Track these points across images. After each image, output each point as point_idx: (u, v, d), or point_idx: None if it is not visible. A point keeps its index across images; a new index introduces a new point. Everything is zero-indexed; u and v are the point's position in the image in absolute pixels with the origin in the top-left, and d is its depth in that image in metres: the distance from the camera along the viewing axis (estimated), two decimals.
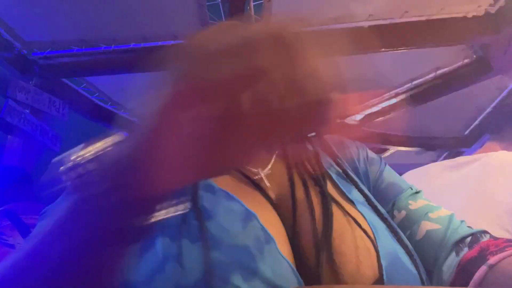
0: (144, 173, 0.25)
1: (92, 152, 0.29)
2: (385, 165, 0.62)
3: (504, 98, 2.49)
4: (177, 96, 0.23)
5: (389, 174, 0.60)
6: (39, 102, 2.11)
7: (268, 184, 0.50)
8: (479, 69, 2.20)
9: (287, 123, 0.25)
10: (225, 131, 0.24)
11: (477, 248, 0.46)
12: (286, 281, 0.37)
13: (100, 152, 0.29)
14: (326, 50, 0.25)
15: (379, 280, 0.39)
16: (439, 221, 0.51)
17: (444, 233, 0.49)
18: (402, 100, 2.55)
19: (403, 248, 0.46)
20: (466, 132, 3.08)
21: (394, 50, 2.03)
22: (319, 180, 0.50)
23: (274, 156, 0.57)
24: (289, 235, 0.44)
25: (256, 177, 0.51)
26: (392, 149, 3.33)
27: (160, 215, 0.27)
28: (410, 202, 0.55)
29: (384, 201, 0.56)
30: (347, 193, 0.50)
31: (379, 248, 0.42)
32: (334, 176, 0.55)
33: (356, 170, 0.59)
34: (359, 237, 0.43)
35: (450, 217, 0.52)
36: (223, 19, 1.90)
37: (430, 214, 0.52)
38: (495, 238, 0.47)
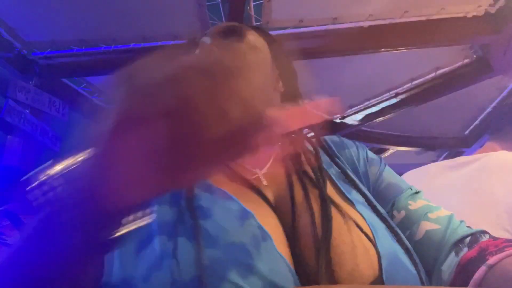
0: (104, 190, 0.26)
1: (59, 170, 0.31)
2: (385, 165, 0.62)
3: (504, 98, 2.49)
4: (118, 122, 0.26)
5: (389, 175, 0.60)
6: (39, 102, 2.11)
7: (265, 183, 0.51)
8: (479, 69, 2.20)
9: (218, 148, 0.27)
10: (167, 152, 0.26)
11: (476, 248, 0.46)
12: (282, 278, 0.38)
13: (66, 170, 0.30)
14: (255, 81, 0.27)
15: (378, 279, 0.40)
16: (438, 221, 0.51)
17: (444, 233, 0.49)
18: (402, 100, 2.55)
19: (403, 248, 0.46)
20: (466, 132, 3.08)
21: (394, 50, 2.03)
22: (318, 181, 0.50)
23: (273, 156, 0.57)
24: (288, 235, 0.44)
25: (254, 176, 0.52)
26: (392, 149, 3.33)
27: (126, 228, 0.29)
28: (409, 202, 0.55)
29: (384, 201, 0.56)
30: (346, 194, 0.51)
31: (378, 248, 0.42)
32: (334, 176, 0.55)
33: (356, 171, 0.60)
34: (357, 237, 0.43)
35: (450, 218, 0.52)
36: (223, 19, 1.90)
37: (429, 215, 0.52)
38: (495, 238, 0.47)
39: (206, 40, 0.61)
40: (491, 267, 0.42)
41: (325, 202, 0.46)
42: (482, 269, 0.42)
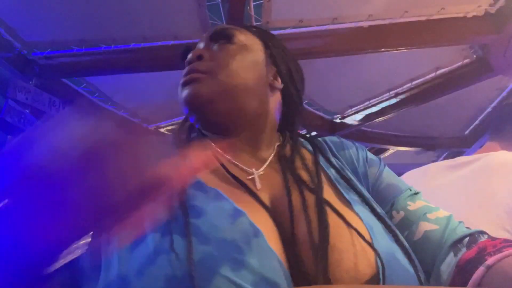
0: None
1: None
2: (384, 166, 0.62)
3: (504, 98, 2.49)
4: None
5: (388, 175, 0.61)
6: (39, 102, 2.11)
7: (259, 186, 0.51)
8: (479, 69, 2.20)
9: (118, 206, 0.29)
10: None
11: (475, 248, 0.46)
12: (274, 272, 0.39)
13: None
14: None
15: (375, 277, 0.40)
16: (437, 221, 0.51)
17: (442, 234, 0.49)
18: (402, 100, 2.55)
19: (400, 248, 0.46)
20: (466, 132, 3.08)
21: (394, 50, 2.03)
22: (315, 186, 0.51)
23: (271, 157, 0.57)
24: (286, 237, 0.44)
25: (250, 177, 0.52)
26: (392, 149, 3.33)
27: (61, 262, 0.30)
28: (409, 203, 0.55)
29: (383, 202, 0.57)
30: (344, 194, 0.51)
31: (375, 247, 0.42)
32: (332, 176, 0.55)
33: (355, 171, 0.60)
34: (354, 237, 0.43)
35: (448, 218, 0.52)
36: (223, 19, 1.90)
37: (428, 215, 0.53)
38: (493, 239, 0.47)
39: (200, 45, 0.63)
40: (489, 267, 0.42)
41: (322, 208, 0.46)
42: (481, 269, 0.42)
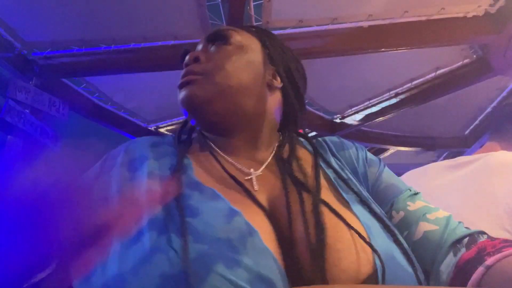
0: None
1: None
2: (384, 166, 0.63)
3: (504, 98, 2.49)
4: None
5: (388, 176, 0.61)
6: (39, 102, 2.11)
7: (256, 187, 0.52)
8: (479, 69, 2.20)
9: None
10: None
11: (474, 249, 0.46)
12: (269, 270, 0.39)
13: None
14: None
15: (373, 276, 0.40)
16: (436, 222, 0.52)
17: (442, 234, 0.50)
18: (402, 100, 2.55)
19: (399, 248, 0.46)
20: (466, 132, 3.08)
21: (394, 50, 2.03)
22: (313, 184, 0.51)
23: (270, 157, 0.57)
24: (283, 238, 0.44)
25: (248, 177, 0.52)
26: (392, 149, 3.33)
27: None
28: (408, 203, 0.55)
29: (383, 202, 0.57)
30: (343, 194, 0.51)
31: (373, 247, 0.42)
32: (332, 176, 0.55)
33: (355, 171, 0.60)
34: (353, 236, 0.44)
35: (448, 218, 0.52)
36: (223, 19, 1.90)
37: (428, 215, 0.53)
38: (492, 239, 0.48)
39: (198, 47, 0.64)
40: (489, 267, 0.42)
41: (318, 211, 0.46)
42: (480, 269, 0.42)
